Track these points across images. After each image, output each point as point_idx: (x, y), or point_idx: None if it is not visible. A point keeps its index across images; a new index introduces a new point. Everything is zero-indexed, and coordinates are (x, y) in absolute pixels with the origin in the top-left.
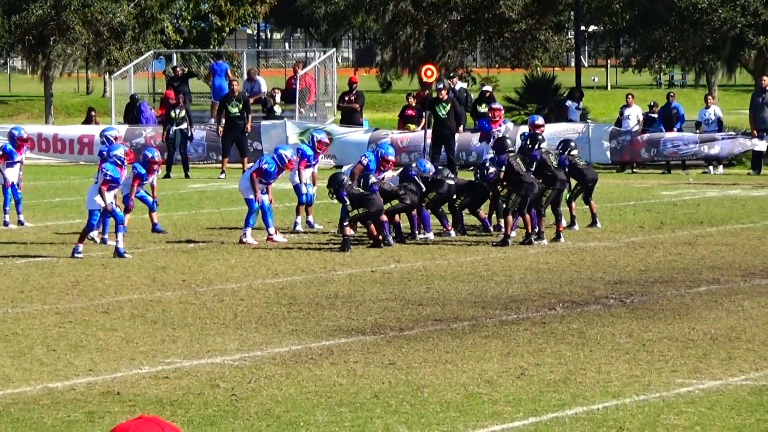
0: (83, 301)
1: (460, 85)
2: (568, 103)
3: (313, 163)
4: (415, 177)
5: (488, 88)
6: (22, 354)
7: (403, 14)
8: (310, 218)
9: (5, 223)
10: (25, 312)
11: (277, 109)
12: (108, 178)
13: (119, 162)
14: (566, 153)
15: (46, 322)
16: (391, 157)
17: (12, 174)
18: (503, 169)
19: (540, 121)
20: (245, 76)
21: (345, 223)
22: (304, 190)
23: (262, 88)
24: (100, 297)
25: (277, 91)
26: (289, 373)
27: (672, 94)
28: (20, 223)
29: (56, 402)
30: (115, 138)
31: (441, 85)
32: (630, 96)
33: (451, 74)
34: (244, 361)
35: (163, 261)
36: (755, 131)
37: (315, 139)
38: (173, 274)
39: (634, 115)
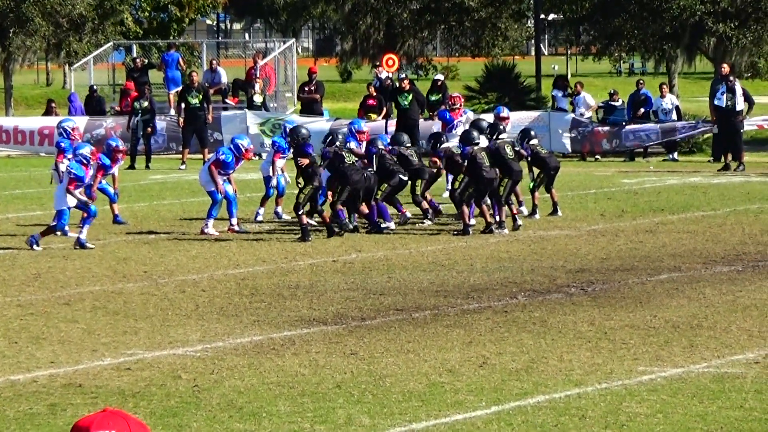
0: (45, 293)
1: (385, 74)
2: (555, 92)
3: (286, 155)
4: (383, 153)
5: (440, 77)
6: None
7: (362, 4)
8: (279, 209)
9: None
10: None
11: (257, 99)
12: (73, 176)
13: (85, 161)
14: (525, 142)
15: (7, 314)
16: (365, 128)
17: None
18: (466, 162)
19: (505, 113)
20: (205, 67)
21: (300, 212)
22: (274, 182)
23: (222, 79)
24: (61, 289)
25: (258, 80)
26: (251, 363)
27: (641, 81)
28: None
29: (18, 394)
30: (72, 129)
31: (402, 75)
32: (578, 84)
33: (376, 63)
34: (206, 352)
35: (124, 252)
36: (714, 118)
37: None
38: (135, 266)
39: (584, 102)
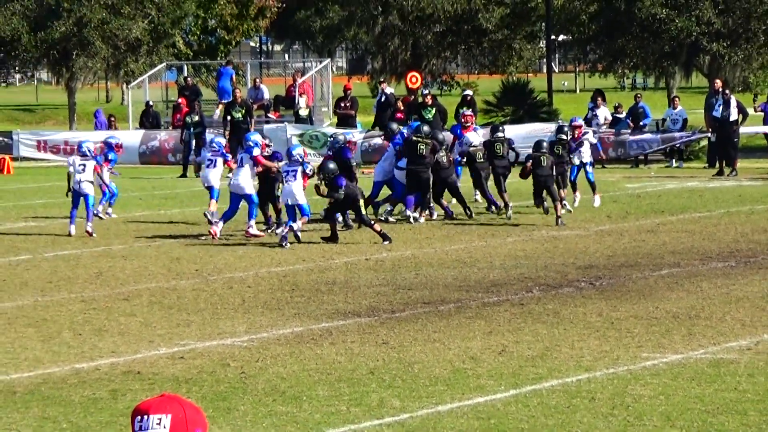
0: (106, 289)
1: (389, 90)
2: (591, 105)
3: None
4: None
5: (469, 92)
6: (51, 338)
7: (391, 27)
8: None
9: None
10: (54, 300)
11: (303, 112)
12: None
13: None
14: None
15: (72, 309)
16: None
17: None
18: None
19: (578, 122)
20: (249, 84)
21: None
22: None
23: (265, 95)
24: (121, 286)
25: (303, 96)
26: (293, 352)
27: (639, 95)
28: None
29: (83, 381)
30: (117, 145)
31: (426, 91)
32: (599, 98)
33: (381, 79)
34: (252, 342)
35: (177, 252)
36: (710, 128)
37: (344, 139)
38: (187, 264)
39: (602, 115)
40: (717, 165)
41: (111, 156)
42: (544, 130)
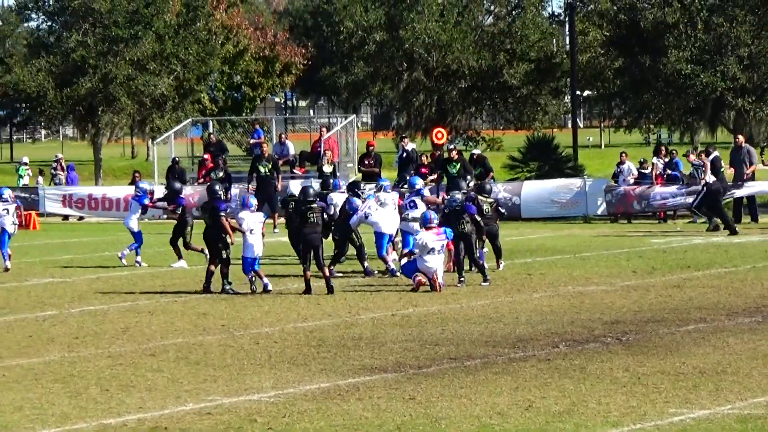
0: (132, 345)
1: (411, 145)
2: (655, 160)
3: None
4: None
5: (476, 151)
6: (78, 394)
7: (416, 83)
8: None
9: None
10: (80, 356)
11: (327, 168)
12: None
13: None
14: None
15: (99, 364)
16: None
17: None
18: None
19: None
20: (275, 140)
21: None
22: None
23: (290, 151)
24: (147, 341)
25: (327, 152)
26: (320, 408)
27: (675, 151)
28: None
29: None
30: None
31: (452, 146)
32: (624, 154)
33: (403, 135)
34: (279, 397)
35: (204, 308)
36: (738, 182)
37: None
38: (213, 320)
39: (629, 170)
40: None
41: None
42: (569, 185)
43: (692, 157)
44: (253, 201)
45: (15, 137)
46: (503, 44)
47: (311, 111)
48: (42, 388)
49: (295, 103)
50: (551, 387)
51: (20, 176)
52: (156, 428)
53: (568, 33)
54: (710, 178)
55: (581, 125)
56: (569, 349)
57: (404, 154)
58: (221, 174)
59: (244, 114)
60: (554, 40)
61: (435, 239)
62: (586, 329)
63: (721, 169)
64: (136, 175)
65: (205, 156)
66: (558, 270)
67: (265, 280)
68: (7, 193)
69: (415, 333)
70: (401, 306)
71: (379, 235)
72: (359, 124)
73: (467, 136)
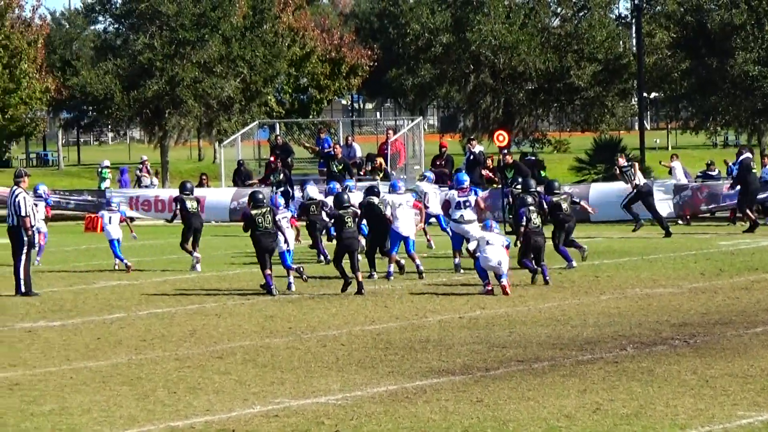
0: (200, 347)
1: (478, 148)
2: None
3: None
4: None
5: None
6: (146, 396)
7: (482, 85)
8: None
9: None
10: (148, 358)
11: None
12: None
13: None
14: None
15: (166, 367)
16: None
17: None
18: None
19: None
20: (342, 143)
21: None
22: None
23: (357, 153)
24: (214, 344)
25: (378, 158)
26: (387, 410)
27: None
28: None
29: None
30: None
31: (505, 151)
32: (674, 156)
33: (471, 137)
34: (346, 400)
35: (271, 310)
36: None
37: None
38: (280, 322)
39: (677, 169)
40: None
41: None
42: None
43: (621, 161)
44: (281, 200)
45: (82, 140)
46: (570, 46)
47: (378, 113)
48: (110, 391)
49: (361, 106)
50: (619, 390)
51: (102, 179)
52: (223, 431)
53: (634, 35)
54: (640, 180)
55: (648, 127)
56: (637, 352)
57: (471, 157)
58: (281, 177)
59: (310, 116)
60: (621, 42)
61: (495, 236)
62: (653, 331)
63: (753, 170)
64: (203, 177)
65: (272, 158)
66: (625, 272)
67: (291, 278)
68: (42, 189)
69: (483, 335)
70: (468, 308)
71: (395, 236)
72: (426, 126)
73: (533, 139)
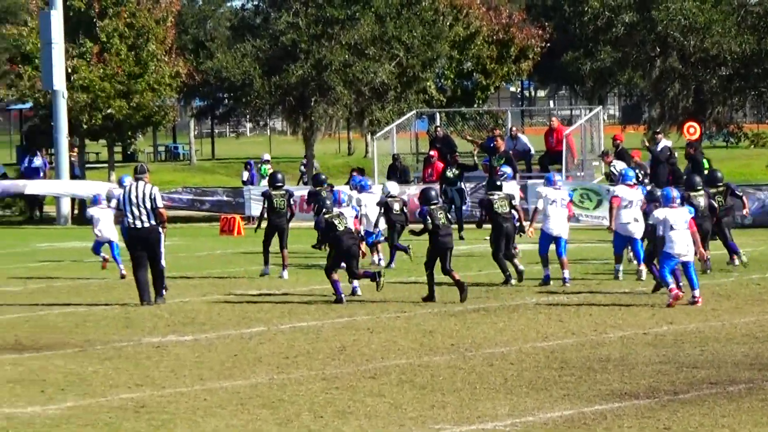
0: (350, 366)
1: (665, 142)
2: None
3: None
4: None
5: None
6: (289, 421)
7: (670, 70)
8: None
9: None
10: (291, 378)
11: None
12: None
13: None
14: None
15: (312, 388)
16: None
17: None
18: None
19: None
20: (509, 134)
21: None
22: None
23: (525, 146)
24: (366, 362)
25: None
26: None
27: None
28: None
29: None
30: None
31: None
32: None
33: (656, 131)
34: (516, 426)
35: (430, 325)
36: None
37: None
38: (441, 338)
39: None
40: None
41: None
42: None
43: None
44: (344, 196)
45: (217, 131)
46: None
47: (551, 102)
48: (248, 414)
49: (532, 93)
50: None
51: (263, 176)
52: None
53: None
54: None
55: None
56: None
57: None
58: (456, 172)
59: (475, 105)
60: None
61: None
62: None
63: None
64: (354, 172)
65: (431, 152)
66: None
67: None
68: (128, 181)
69: (671, 354)
70: (654, 323)
71: (545, 235)
72: (605, 117)
73: (728, 132)
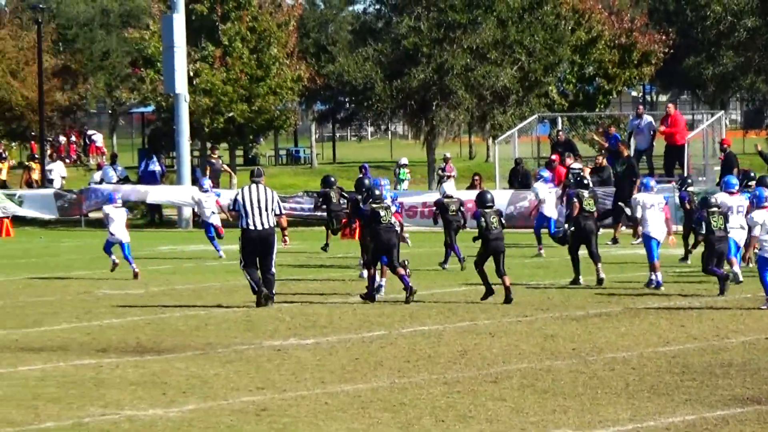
0: (471, 370)
1: None
2: None
3: None
4: None
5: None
6: (410, 425)
7: None
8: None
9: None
10: (412, 382)
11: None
12: None
13: None
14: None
15: (433, 392)
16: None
17: None
18: None
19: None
20: (635, 112)
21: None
22: None
23: (651, 124)
24: (488, 366)
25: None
26: None
27: None
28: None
29: None
30: None
31: None
32: None
33: None
34: (638, 431)
35: (551, 329)
36: None
37: None
38: (563, 343)
39: None
40: None
41: None
42: None
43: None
44: (386, 191)
45: (338, 135)
46: None
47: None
48: (369, 418)
49: (654, 98)
50: None
51: (400, 180)
52: None
53: None
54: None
55: None
56: None
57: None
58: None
59: (597, 109)
60: None
61: None
62: None
63: None
64: (476, 178)
65: (553, 157)
66: None
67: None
68: (208, 184)
69: None
70: None
71: (647, 239)
72: (728, 122)
73: None
